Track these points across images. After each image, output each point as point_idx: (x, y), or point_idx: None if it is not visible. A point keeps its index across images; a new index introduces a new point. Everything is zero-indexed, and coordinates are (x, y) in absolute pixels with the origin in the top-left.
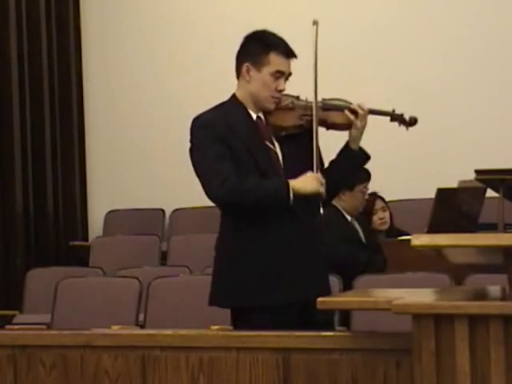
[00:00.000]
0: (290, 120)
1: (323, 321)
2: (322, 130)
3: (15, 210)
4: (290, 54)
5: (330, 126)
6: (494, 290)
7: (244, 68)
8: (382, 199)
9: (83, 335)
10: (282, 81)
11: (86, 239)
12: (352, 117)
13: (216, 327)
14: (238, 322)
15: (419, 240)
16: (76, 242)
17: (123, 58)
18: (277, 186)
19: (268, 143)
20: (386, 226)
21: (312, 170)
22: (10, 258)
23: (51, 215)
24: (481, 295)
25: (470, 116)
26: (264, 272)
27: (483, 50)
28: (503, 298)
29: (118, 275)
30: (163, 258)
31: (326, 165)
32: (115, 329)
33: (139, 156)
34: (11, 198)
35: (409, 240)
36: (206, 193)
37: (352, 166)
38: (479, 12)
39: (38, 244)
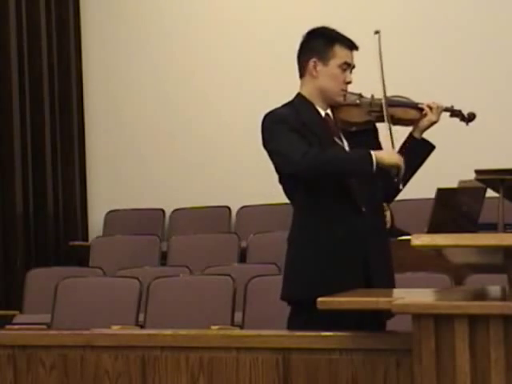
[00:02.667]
0: (358, 115)
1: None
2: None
3: (15, 210)
4: (352, 45)
5: (396, 121)
6: (494, 289)
7: (311, 64)
8: None
9: (83, 335)
10: (348, 73)
11: (86, 239)
12: (421, 113)
13: (216, 327)
14: (296, 316)
15: (419, 240)
16: (76, 242)
17: (123, 57)
18: (360, 154)
19: (337, 140)
20: (386, 226)
21: None
22: (9, 258)
23: (51, 215)
24: (481, 295)
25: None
26: (328, 265)
27: (484, 49)
28: (503, 298)
29: (118, 275)
30: (163, 258)
31: None
32: (115, 329)
33: (139, 156)
34: (11, 198)
35: (409, 240)
36: (286, 169)
37: (417, 155)
38: (480, 12)
39: (38, 244)
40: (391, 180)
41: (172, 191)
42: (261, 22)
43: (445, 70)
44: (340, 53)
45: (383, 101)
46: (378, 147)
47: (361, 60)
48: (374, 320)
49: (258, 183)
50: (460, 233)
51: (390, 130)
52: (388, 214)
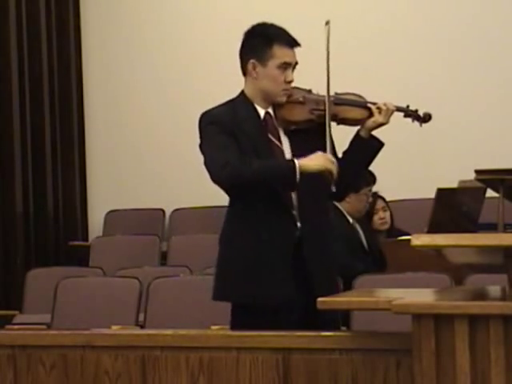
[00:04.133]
0: (300, 114)
1: (329, 320)
2: (332, 125)
3: (15, 210)
4: (293, 43)
5: (340, 120)
6: (494, 289)
7: (250, 65)
8: (383, 199)
9: (83, 335)
10: (289, 72)
11: (86, 239)
12: (369, 113)
13: (216, 327)
14: (234, 319)
15: (419, 240)
16: (76, 242)
17: (123, 57)
18: (281, 164)
19: (275, 140)
20: (386, 226)
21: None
22: (9, 258)
23: (51, 215)
24: (481, 295)
25: (470, 116)
26: (262, 267)
27: (484, 50)
28: (503, 298)
29: (118, 275)
30: (163, 258)
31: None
32: (115, 329)
33: (139, 156)
34: (11, 198)
35: (409, 240)
36: (211, 178)
37: (364, 153)
38: (480, 14)
39: (38, 244)
40: (328, 184)
41: (172, 191)
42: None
43: (444, 71)
44: (279, 53)
45: (326, 98)
46: (323, 148)
47: (361, 59)
48: (321, 318)
49: None
50: (460, 233)
51: (329, 129)
52: (388, 214)
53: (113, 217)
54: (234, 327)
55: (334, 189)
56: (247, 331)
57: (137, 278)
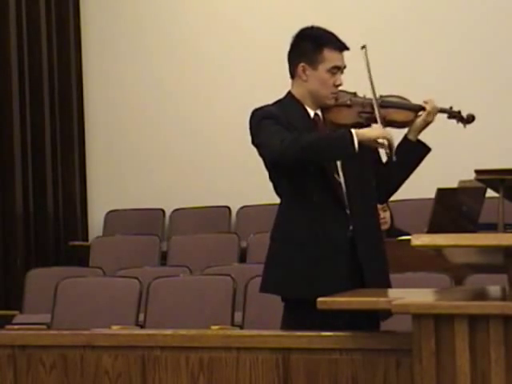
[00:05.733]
0: (348, 117)
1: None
2: None
3: (15, 210)
4: (342, 47)
5: (388, 123)
6: (494, 289)
7: (300, 68)
8: None
9: (83, 335)
10: (338, 75)
11: (86, 239)
12: (416, 115)
13: (216, 327)
14: (286, 312)
15: (419, 240)
16: (76, 242)
17: (123, 57)
18: (339, 133)
19: None
20: (386, 226)
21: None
22: (9, 258)
23: (51, 215)
24: (481, 295)
25: None
26: (314, 263)
27: (484, 50)
28: (503, 298)
29: (118, 275)
30: (163, 258)
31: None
32: (115, 329)
33: (139, 156)
34: (11, 198)
35: (409, 240)
36: (269, 157)
37: (411, 157)
38: (480, 13)
39: (38, 244)
40: (387, 157)
41: (172, 191)
42: (259, 24)
43: (445, 71)
44: (329, 57)
45: (374, 101)
46: (371, 152)
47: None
48: (368, 320)
49: (257, 183)
50: (460, 233)
51: (378, 108)
52: (388, 214)
53: (113, 217)
54: (286, 322)
55: (394, 158)
56: (247, 331)
57: (137, 278)
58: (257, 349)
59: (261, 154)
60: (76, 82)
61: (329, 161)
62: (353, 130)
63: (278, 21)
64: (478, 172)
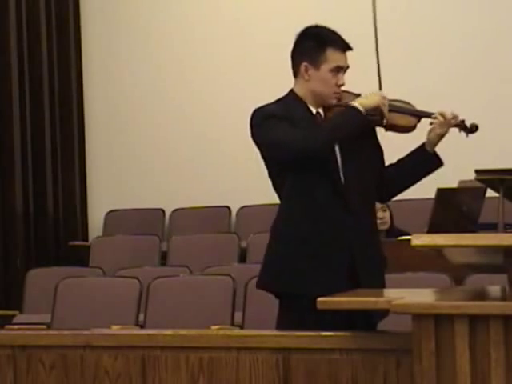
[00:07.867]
0: None
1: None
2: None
3: (15, 210)
4: (346, 47)
5: (390, 127)
6: (494, 289)
7: (302, 68)
8: None
9: (83, 335)
10: (341, 75)
11: (86, 239)
12: (417, 121)
13: (216, 327)
14: (282, 309)
15: (419, 240)
16: (76, 242)
17: (123, 57)
18: (344, 111)
19: None
20: (386, 226)
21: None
22: (9, 258)
23: (51, 215)
24: (481, 295)
25: (470, 116)
26: (312, 260)
27: (483, 49)
28: (503, 298)
29: (118, 275)
30: (163, 258)
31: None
32: (115, 329)
33: (139, 156)
34: (11, 198)
35: (409, 240)
36: (290, 155)
37: (423, 167)
38: (481, 17)
39: (38, 244)
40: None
41: (172, 191)
42: (261, 24)
43: (445, 71)
44: (332, 57)
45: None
46: (376, 147)
47: (365, 60)
48: (364, 320)
49: (257, 183)
50: (460, 233)
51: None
52: (388, 214)
53: (113, 217)
54: (281, 321)
55: (385, 122)
56: (247, 331)
57: (137, 278)
58: (257, 349)
59: (270, 153)
60: (76, 82)
61: (354, 134)
62: (354, 104)
63: (280, 21)
64: (477, 172)
